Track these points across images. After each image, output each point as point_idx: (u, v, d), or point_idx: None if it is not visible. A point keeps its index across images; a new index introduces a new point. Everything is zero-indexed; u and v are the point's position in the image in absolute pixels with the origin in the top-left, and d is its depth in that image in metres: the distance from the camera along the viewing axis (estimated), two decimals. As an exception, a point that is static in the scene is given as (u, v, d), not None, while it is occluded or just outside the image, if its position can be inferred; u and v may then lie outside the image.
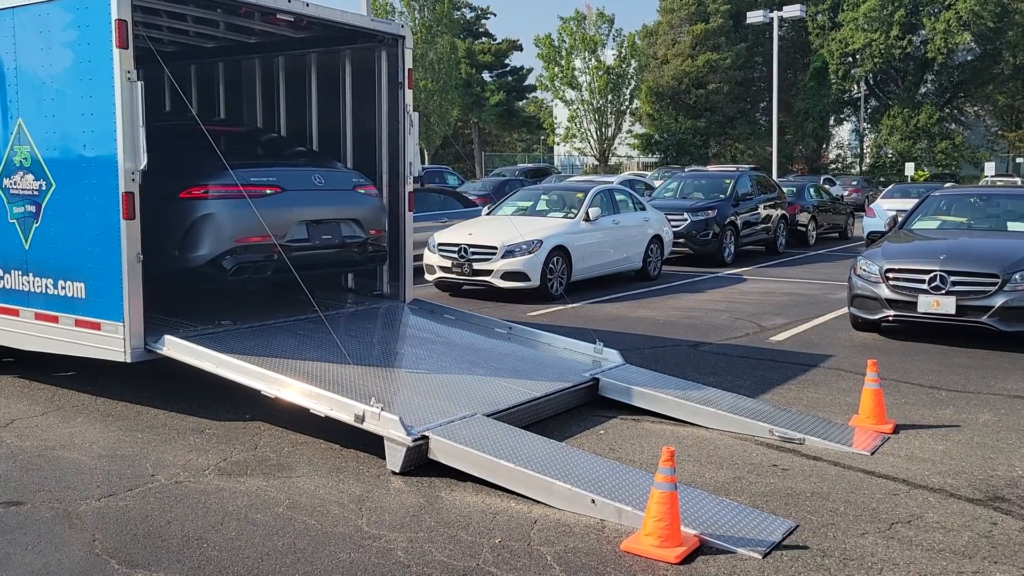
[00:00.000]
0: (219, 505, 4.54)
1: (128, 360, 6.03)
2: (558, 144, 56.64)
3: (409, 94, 8.08)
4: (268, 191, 6.65)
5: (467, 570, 3.81)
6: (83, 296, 6.23)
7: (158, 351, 6.09)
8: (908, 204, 18.72)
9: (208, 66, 9.38)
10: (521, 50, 73.32)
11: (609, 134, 51.52)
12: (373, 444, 5.24)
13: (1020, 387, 7.14)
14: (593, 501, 4.39)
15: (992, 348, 8.56)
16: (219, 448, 5.51)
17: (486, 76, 63.81)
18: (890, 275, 8.99)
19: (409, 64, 8.06)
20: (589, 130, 51.16)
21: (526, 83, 65.47)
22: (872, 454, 5.45)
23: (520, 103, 66.69)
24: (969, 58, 53.09)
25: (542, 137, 65.00)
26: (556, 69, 50.78)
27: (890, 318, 9.06)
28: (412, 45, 8.15)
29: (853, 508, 4.56)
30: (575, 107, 51.08)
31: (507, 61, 65.65)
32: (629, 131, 53.94)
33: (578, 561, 3.90)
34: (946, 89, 54.35)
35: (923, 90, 54.34)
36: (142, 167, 5.91)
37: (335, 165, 7.88)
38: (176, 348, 6.03)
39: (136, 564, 3.85)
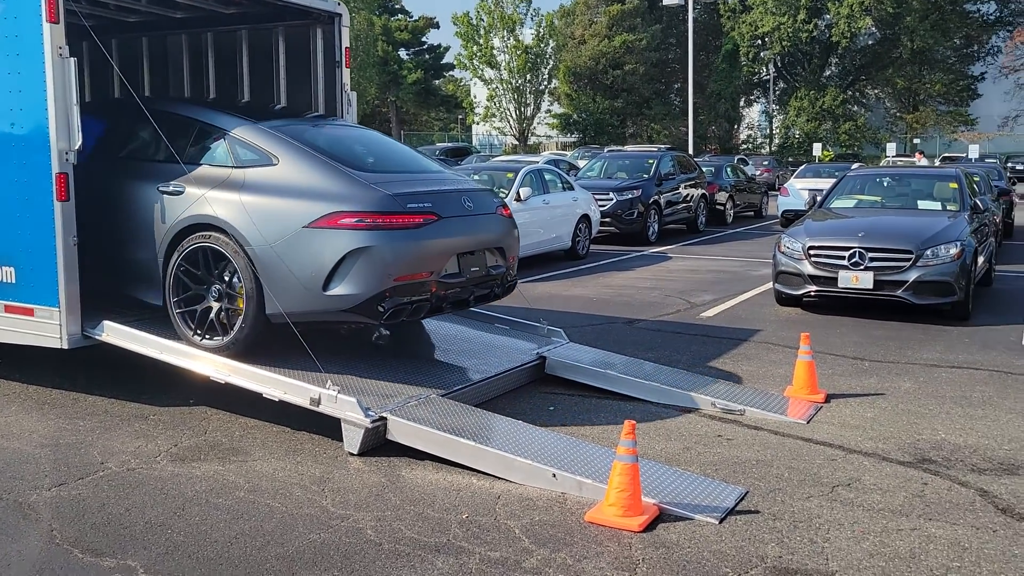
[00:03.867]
0: (177, 491, 4.49)
1: (65, 346, 5.84)
2: (477, 123, 56.47)
3: (347, 73, 7.99)
4: (424, 219, 5.59)
5: (439, 545, 3.88)
6: (13, 281, 5.99)
7: (96, 337, 5.93)
8: (820, 183, 19.53)
9: (131, 42, 9.05)
10: (438, 28, 72.76)
11: (528, 114, 51.69)
12: (326, 426, 5.25)
13: (935, 357, 7.59)
14: (554, 475, 4.52)
15: (907, 320, 9.05)
16: (167, 434, 5.42)
17: (403, 54, 63.08)
18: (812, 252, 9.39)
19: (347, 42, 7.97)
20: (508, 109, 51.21)
21: (443, 61, 65.00)
22: (808, 422, 5.74)
23: (437, 82, 66.20)
24: (870, 42, 55.24)
25: (460, 116, 64.72)
26: (475, 48, 50.57)
27: (812, 293, 9.47)
28: (349, 23, 8.05)
29: (796, 474, 4.81)
30: (494, 86, 51.02)
31: (424, 39, 65.02)
32: (548, 111, 54.22)
33: (545, 533, 4.02)
34: (849, 72, 56.43)
35: (828, 73, 56.32)
36: (77, 147, 5.71)
37: (475, 184, 6.91)
38: (116, 334, 5.88)
39: (100, 552, 3.79)
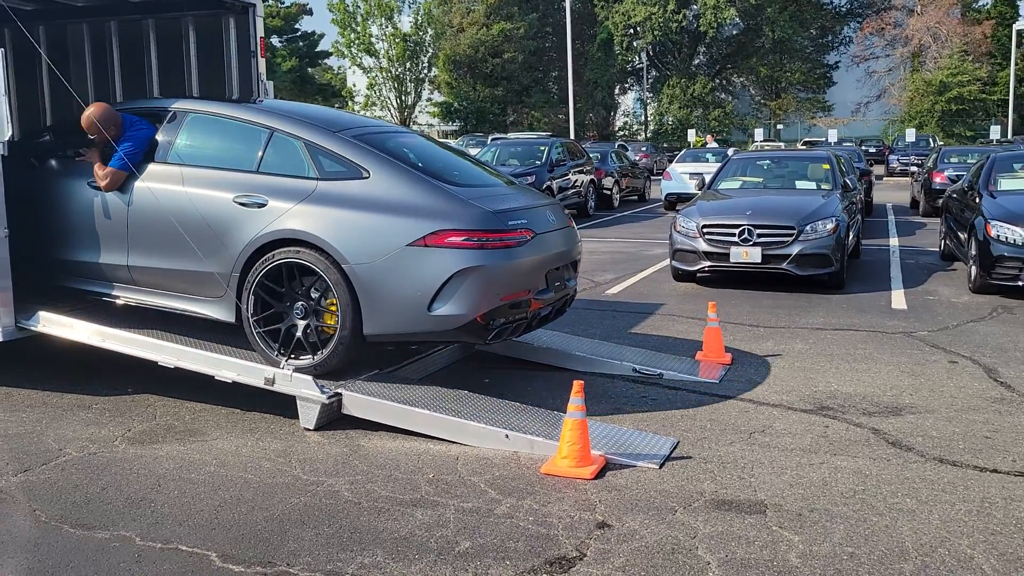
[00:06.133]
0: (147, 470, 4.64)
1: (-1, 339, 5.81)
2: (357, 112, 55.88)
3: (262, 63, 8.08)
4: (523, 236, 5.43)
5: (414, 501, 4.22)
6: (-61, 276, 5.88)
7: (32, 328, 5.92)
8: (699, 167, 20.64)
9: (27, 31, 8.79)
10: (311, 14, 71.20)
11: (409, 102, 51.62)
12: (276, 404, 5.47)
13: (820, 321, 8.42)
14: (507, 436, 4.92)
15: (791, 290, 9.92)
16: (117, 421, 5.50)
17: (275, 41, 61.57)
18: (706, 230, 10.13)
19: (261, 32, 8.05)
20: (389, 98, 50.99)
21: (318, 49, 63.88)
22: (720, 382, 6.35)
23: (312, 70, 64.99)
24: (735, 32, 57.99)
25: (338, 105, 63.76)
26: (352, 35, 50.01)
27: (706, 268, 10.22)
28: (263, 13, 8.14)
29: (717, 424, 5.39)
30: (373, 74, 50.67)
31: (297, 26, 63.66)
32: (429, 99, 54.30)
33: (508, 485, 4.42)
34: (717, 61, 59.11)
35: (697, 62, 58.80)
36: (6, 138, 5.68)
37: (548, 197, 6.78)
38: (53, 324, 5.89)
39: (91, 526, 3.94)
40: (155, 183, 5.77)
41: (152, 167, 5.85)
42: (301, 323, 5.38)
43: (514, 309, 5.48)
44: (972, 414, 5.57)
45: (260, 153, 5.66)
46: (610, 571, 3.52)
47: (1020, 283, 9.16)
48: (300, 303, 5.38)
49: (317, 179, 5.44)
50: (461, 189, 5.53)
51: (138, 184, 5.80)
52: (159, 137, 5.96)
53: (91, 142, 6.05)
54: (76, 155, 6.18)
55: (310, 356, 5.36)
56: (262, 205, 5.41)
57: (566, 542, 3.78)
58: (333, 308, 5.29)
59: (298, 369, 5.32)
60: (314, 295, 5.36)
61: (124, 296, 6.01)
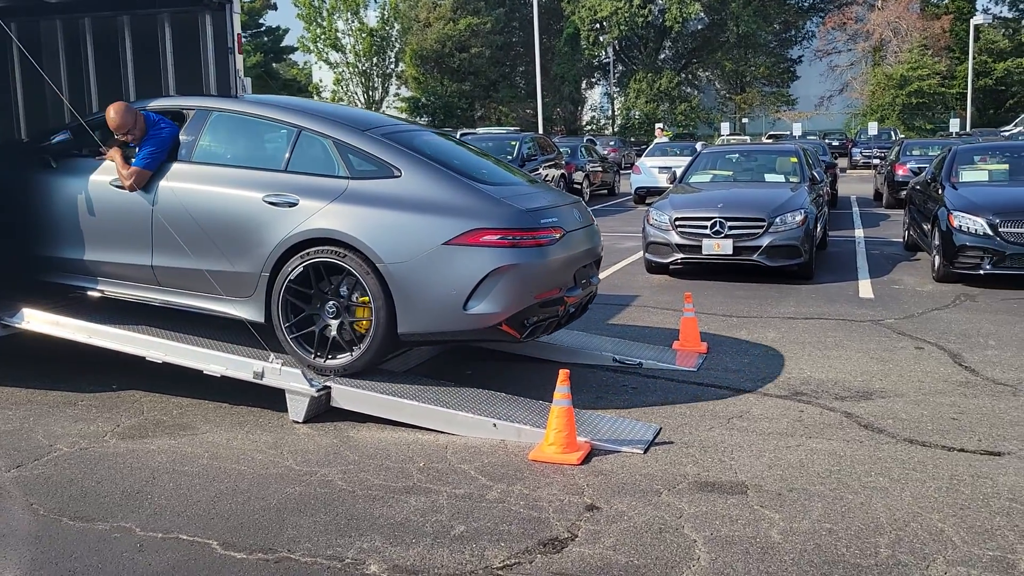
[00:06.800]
0: (140, 464, 4.69)
1: (-19, 337, 5.81)
2: (324, 108, 55.62)
3: (240, 59, 8.09)
4: (555, 234, 5.43)
5: (407, 488, 4.33)
6: (-82, 275, 5.87)
7: (15, 325, 5.92)
8: (667, 161, 20.91)
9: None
10: (276, 9, 70.66)
11: (377, 98, 51.47)
12: (263, 398, 5.54)
13: (791, 310, 8.64)
14: (494, 424, 5.04)
15: (762, 281, 10.15)
16: (105, 417, 5.53)
17: (240, 36, 61.00)
18: (678, 223, 10.32)
19: (238, 28, 8.05)
20: (356, 93, 50.80)
21: (283, 44, 63.43)
22: (697, 370, 6.53)
23: (276, 65, 64.50)
24: (700, 27, 58.54)
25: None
26: (318, 30, 49.73)
27: (679, 261, 10.42)
28: (240, 9, 8.15)
29: (697, 411, 5.56)
30: (340, 70, 50.45)
31: (261, 21, 63.13)
32: (396, 94, 54.17)
33: (497, 472, 4.55)
34: (682, 55, 59.64)
35: (663, 56, 59.30)
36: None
37: (571, 195, 6.63)
38: (39, 321, 5.90)
39: (90, 518, 3.99)
40: (180, 182, 5.71)
41: (177, 166, 5.78)
42: (334, 322, 5.38)
43: (546, 307, 5.51)
44: (939, 397, 5.79)
45: (288, 152, 5.61)
46: (602, 550, 3.66)
47: (982, 272, 9.47)
48: (332, 302, 5.37)
49: (348, 178, 5.42)
50: (492, 188, 5.52)
51: (163, 183, 5.72)
52: (183, 136, 5.89)
53: (112, 141, 5.94)
54: (96, 154, 6.09)
55: (346, 355, 5.38)
56: (293, 204, 5.36)
57: (557, 524, 3.92)
58: (365, 311, 5.30)
59: (333, 370, 5.37)
60: (343, 293, 5.35)
61: (147, 296, 5.92)
